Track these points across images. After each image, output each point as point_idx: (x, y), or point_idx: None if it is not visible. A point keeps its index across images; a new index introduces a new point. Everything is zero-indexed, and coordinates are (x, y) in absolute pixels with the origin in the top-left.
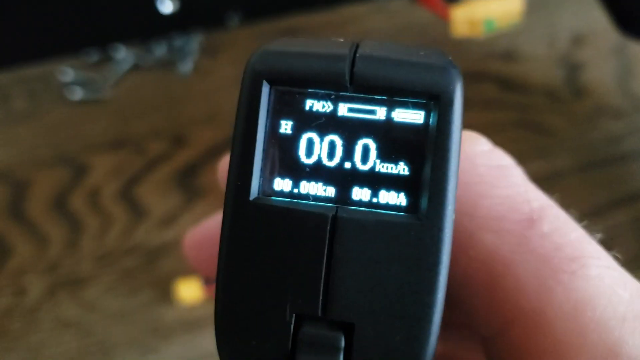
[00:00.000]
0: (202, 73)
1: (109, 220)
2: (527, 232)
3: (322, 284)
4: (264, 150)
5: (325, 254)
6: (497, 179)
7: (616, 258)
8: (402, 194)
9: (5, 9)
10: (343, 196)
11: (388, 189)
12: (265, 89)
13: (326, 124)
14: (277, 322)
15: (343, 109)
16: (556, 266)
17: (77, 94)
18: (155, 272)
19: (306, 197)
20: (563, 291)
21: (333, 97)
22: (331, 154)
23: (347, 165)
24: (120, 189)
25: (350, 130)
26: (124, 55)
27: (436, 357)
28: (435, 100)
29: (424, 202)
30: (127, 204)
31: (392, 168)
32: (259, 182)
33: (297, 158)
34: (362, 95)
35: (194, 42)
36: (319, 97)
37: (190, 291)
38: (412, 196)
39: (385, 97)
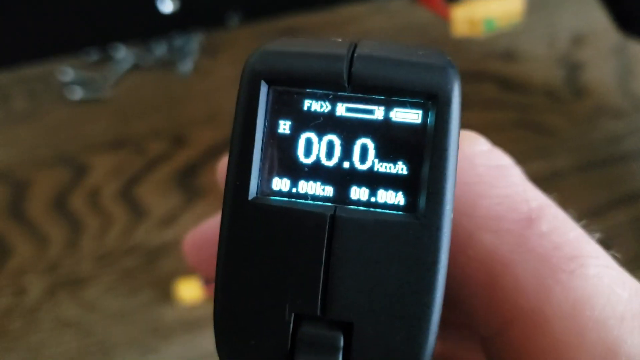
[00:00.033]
0: (202, 73)
1: (109, 220)
2: (526, 232)
3: (321, 284)
4: (263, 150)
5: (324, 253)
6: (495, 178)
7: (615, 257)
8: (400, 194)
9: (5, 9)
10: (341, 196)
11: (386, 188)
12: (264, 89)
13: (324, 123)
14: (276, 321)
15: (341, 109)
16: (555, 265)
17: (77, 93)
18: (155, 272)
19: (305, 196)
20: (562, 290)
21: (331, 97)
22: (329, 154)
23: (346, 164)
24: (120, 189)
25: (349, 130)
26: (124, 55)
27: (436, 357)
28: (433, 100)
29: (422, 202)
30: (127, 204)
31: (390, 167)
32: (258, 182)
33: (295, 158)
34: (360, 95)
35: (194, 41)
36: (317, 97)
37: (190, 291)
38: (411, 195)
39: (383, 97)
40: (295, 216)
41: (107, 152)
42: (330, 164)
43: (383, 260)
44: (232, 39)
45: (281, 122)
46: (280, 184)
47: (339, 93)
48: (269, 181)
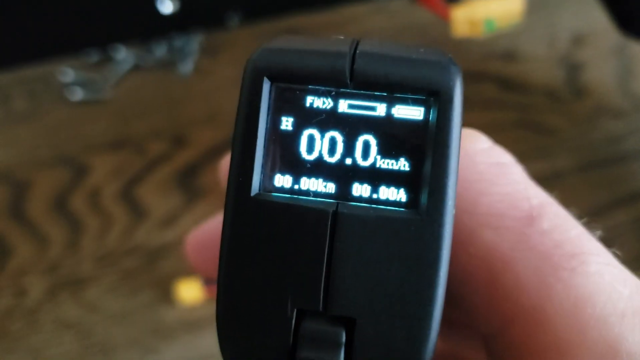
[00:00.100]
0: (202, 73)
1: (110, 221)
2: (527, 230)
3: (323, 279)
4: (265, 147)
5: (326, 249)
6: (496, 176)
7: (616, 255)
8: (402, 190)
9: (5, 9)
10: (343, 192)
11: (388, 184)
12: (266, 86)
13: (327, 120)
14: (278, 317)
15: (343, 106)
16: (556, 263)
17: (78, 94)
18: (155, 272)
19: (307, 193)
20: (563, 288)
21: (333, 93)
22: (332, 150)
23: (348, 161)
24: (121, 190)
25: (351, 127)
26: (124, 55)
27: (438, 356)
28: (435, 97)
29: (424, 198)
30: (128, 205)
31: (392, 164)
32: (260, 178)
33: (297, 154)
34: (362, 91)
35: (194, 42)
36: (319, 94)
37: (191, 292)
38: (413, 192)
39: (385, 94)
40: (297, 212)
41: (108, 153)
42: (333, 160)
43: (385, 256)
44: (232, 39)
45: (284, 119)
46: (283, 180)
47: (341, 90)
48: (271, 177)
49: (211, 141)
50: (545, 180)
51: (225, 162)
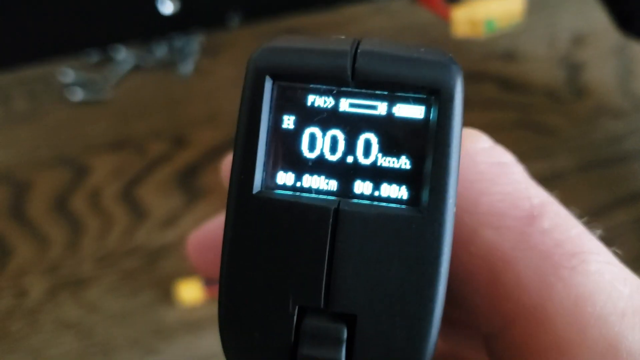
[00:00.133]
0: (202, 73)
1: (110, 221)
2: (528, 229)
3: (324, 276)
4: (267, 145)
5: (328, 246)
6: (497, 176)
7: (616, 254)
8: (403, 188)
9: (5, 9)
10: (345, 190)
11: (390, 182)
12: (268, 85)
13: (328, 118)
14: (280, 313)
15: (345, 104)
16: (556, 262)
17: (78, 94)
18: (156, 273)
19: (309, 190)
20: (564, 287)
21: (335, 92)
22: (333, 149)
23: (349, 159)
24: (121, 190)
25: (352, 125)
26: (124, 56)
27: (439, 356)
28: (435, 95)
29: (425, 195)
30: (128, 205)
31: (393, 162)
32: (262, 176)
33: (299, 152)
34: (364, 90)
35: (195, 42)
36: (321, 93)
37: (191, 292)
38: (414, 189)
39: (386, 92)
40: (299, 210)
41: (108, 153)
42: (334, 158)
43: (386, 253)
44: (232, 39)
45: (285, 117)
46: (285, 178)
47: (343, 88)
48: (274, 175)
49: (211, 141)
50: (545, 180)
51: (227, 162)
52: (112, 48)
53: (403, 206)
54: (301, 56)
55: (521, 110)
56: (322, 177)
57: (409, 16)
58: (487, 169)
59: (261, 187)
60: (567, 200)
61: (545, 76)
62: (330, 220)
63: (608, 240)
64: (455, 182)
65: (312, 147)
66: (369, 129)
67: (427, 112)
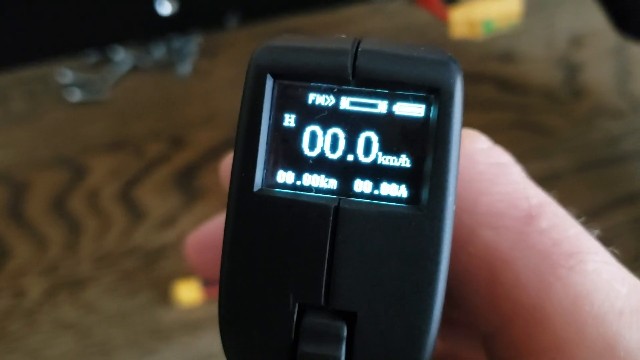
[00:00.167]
0: (200, 74)
1: (108, 222)
2: (526, 229)
3: (324, 274)
4: (268, 143)
5: (328, 244)
6: (496, 176)
7: (614, 254)
8: (403, 186)
9: (4, 9)
10: (345, 188)
11: (390, 181)
12: (269, 83)
13: (329, 117)
14: (280, 311)
15: (345, 103)
16: (555, 262)
17: (76, 95)
18: (154, 273)
19: (309, 189)
20: (562, 286)
21: (335, 90)
22: (334, 147)
23: (350, 157)
24: (119, 191)
25: (353, 124)
26: (122, 56)
27: (438, 357)
28: (435, 94)
29: (424, 194)
30: (126, 206)
31: (393, 160)
32: (263, 174)
33: (300, 151)
34: (364, 88)
35: (193, 43)
36: (321, 91)
37: (190, 293)
38: (414, 188)
39: (386, 91)
40: (299, 208)
41: (106, 154)
42: (335, 156)
43: (386, 251)
44: (230, 40)
45: (286, 116)
46: (285, 176)
47: (343, 87)
48: (274, 173)
49: (210, 142)
50: (543, 180)
51: (226, 163)
52: (111, 49)
53: (403, 204)
54: (302, 55)
55: (519, 111)
56: (323, 176)
57: (406, 17)
58: (486, 169)
59: (262, 185)
60: (565, 200)
61: (543, 77)
62: (331, 218)
63: (606, 240)
64: (455, 180)
65: (312, 145)
66: (370, 128)
67: (427, 111)
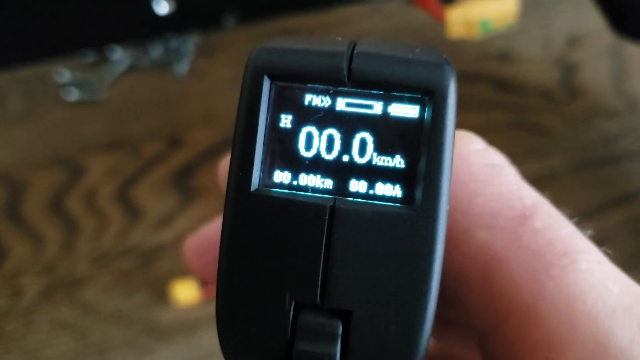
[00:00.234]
0: (198, 74)
1: (105, 221)
2: (520, 229)
3: (320, 273)
4: (265, 144)
5: (324, 243)
6: (490, 177)
7: (606, 254)
8: (397, 186)
9: (1, 9)
10: (341, 188)
11: (384, 181)
12: (266, 84)
13: (325, 118)
14: (276, 309)
15: (341, 104)
16: (548, 261)
17: (73, 94)
18: (151, 273)
19: (305, 188)
20: (555, 286)
21: (331, 92)
22: (329, 148)
23: (345, 158)
24: (117, 190)
25: (348, 125)
26: (120, 56)
27: (433, 357)
28: (429, 95)
29: (419, 194)
30: (123, 205)
31: (388, 161)
32: (260, 174)
33: (296, 151)
34: (360, 90)
35: (190, 43)
36: (317, 92)
37: (187, 292)
38: (408, 188)
39: (381, 92)
40: (295, 207)
41: (103, 153)
42: (330, 157)
43: (381, 250)
44: (228, 40)
45: (283, 117)
46: (282, 176)
47: (339, 88)
48: (271, 174)
49: (207, 142)
50: (540, 180)
51: (224, 163)
52: (108, 48)
53: (397, 204)
54: (299, 57)
55: (516, 111)
56: (319, 176)
57: (404, 17)
58: (480, 170)
59: (259, 185)
60: (562, 200)
61: (540, 77)
62: (326, 217)
63: (602, 240)
64: (449, 180)
65: (308, 146)
66: (365, 128)
67: (422, 112)
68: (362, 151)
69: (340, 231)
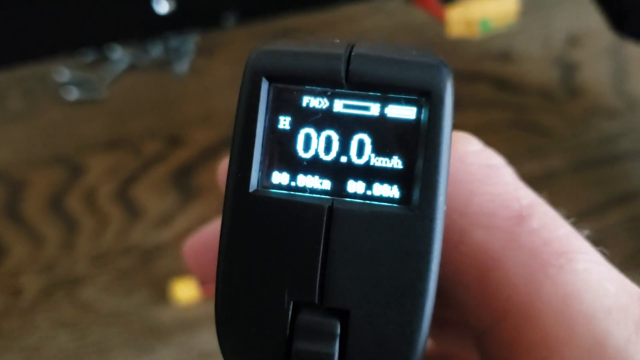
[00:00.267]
0: (198, 73)
1: (105, 221)
2: (517, 228)
3: (319, 272)
4: (263, 145)
5: (322, 243)
6: (487, 177)
7: (603, 253)
8: (395, 187)
9: (1, 9)
10: (339, 189)
11: (382, 181)
12: (265, 86)
13: (323, 119)
14: (275, 309)
15: (339, 105)
16: (545, 261)
17: (73, 94)
18: (151, 272)
19: (303, 189)
20: (552, 285)
21: (329, 94)
22: (327, 149)
23: (343, 159)
24: (116, 189)
25: (346, 126)
26: (119, 55)
27: (432, 356)
28: (426, 97)
29: (416, 194)
30: (123, 204)
31: (386, 162)
32: (258, 175)
33: (294, 152)
34: (357, 92)
35: (190, 42)
36: (315, 94)
37: (187, 291)
38: (405, 188)
39: (379, 94)
40: (294, 208)
41: (103, 152)
42: (328, 158)
43: (378, 250)
44: (228, 39)
45: (281, 118)
46: (280, 177)
47: (337, 90)
48: (269, 175)
49: (206, 141)
50: (539, 179)
51: (223, 164)
52: (108, 47)
53: (395, 204)
54: (297, 59)
55: (516, 110)
56: (317, 177)
57: (404, 16)
58: (477, 170)
59: (257, 186)
60: (561, 199)
61: (540, 76)
62: (325, 218)
63: (602, 239)
64: (446, 180)
65: (307, 147)
66: (362, 130)
67: (419, 113)
68: (360, 152)
69: (338, 231)
